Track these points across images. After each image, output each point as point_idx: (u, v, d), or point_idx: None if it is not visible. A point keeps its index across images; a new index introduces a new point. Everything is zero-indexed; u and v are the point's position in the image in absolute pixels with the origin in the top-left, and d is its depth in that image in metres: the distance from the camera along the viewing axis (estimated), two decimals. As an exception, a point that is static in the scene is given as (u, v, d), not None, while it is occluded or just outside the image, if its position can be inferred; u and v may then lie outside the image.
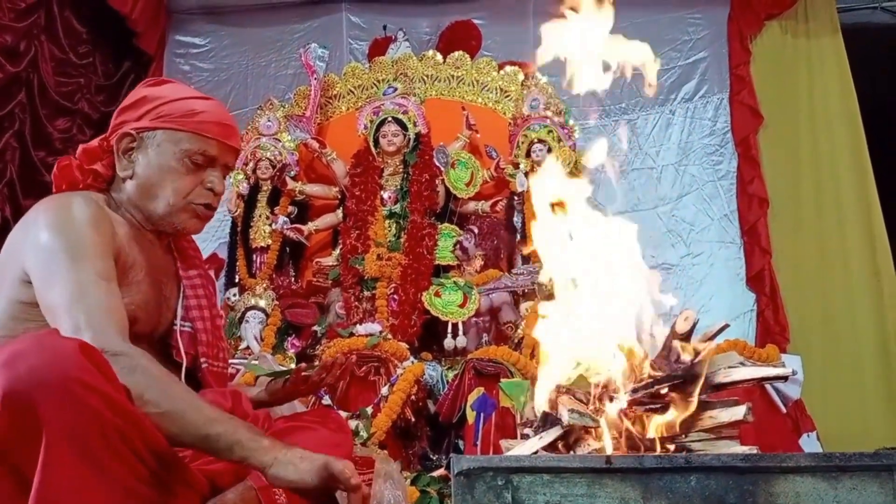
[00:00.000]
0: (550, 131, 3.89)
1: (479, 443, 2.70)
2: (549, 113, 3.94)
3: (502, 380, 2.97)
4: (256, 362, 2.14)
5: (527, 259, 3.72)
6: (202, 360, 1.42)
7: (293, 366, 1.61)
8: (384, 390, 3.08)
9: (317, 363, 1.63)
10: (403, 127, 3.93)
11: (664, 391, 1.22)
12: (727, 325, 1.30)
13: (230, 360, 3.20)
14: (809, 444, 3.34)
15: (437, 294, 3.57)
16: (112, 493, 1.04)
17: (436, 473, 2.77)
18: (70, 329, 1.15)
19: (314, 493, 1.12)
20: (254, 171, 4.07)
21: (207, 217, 1.45)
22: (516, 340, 3.41)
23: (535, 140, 3.88)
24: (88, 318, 1.16)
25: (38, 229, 1.28)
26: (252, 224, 4.03)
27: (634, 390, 1.19)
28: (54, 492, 0.99)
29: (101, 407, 1.03)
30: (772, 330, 4.00)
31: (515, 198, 3.86)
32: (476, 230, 3.84)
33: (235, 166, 1.49)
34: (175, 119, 1.39)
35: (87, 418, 1.01)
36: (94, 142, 1.44)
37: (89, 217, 1.30)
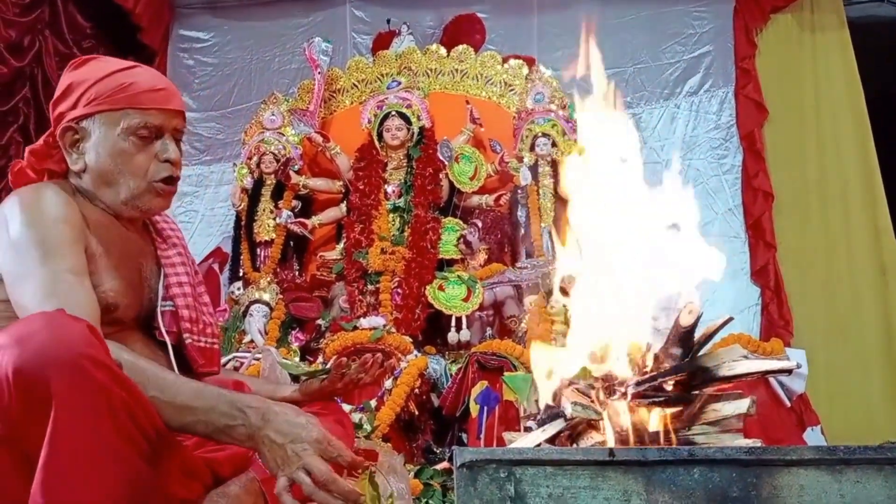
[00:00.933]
0: (555, 125, 3.89)
1: (482, 436, 2.71)
2: (553, 106, 3.93)
3: (506, 373, 2.98)
4: (275, 357, 2.12)
5: (530, 253, 3.72)
6: (185, 336, 1.40)
7: (328, 366, 1.58)
8: (388, 384, 3.09)
9: (353, 363, 1.61)
10: (407, 121, 3.92)
11: (668, 384, 1.22)
12: (731, 319, 1.30)
13: (236, 353, 3.20)
14: (814, 437, 3.34)
15: (440, 288, 3.57)
16: (117, 467, 1.04)
17: (439, 466, 2.78)
18: None
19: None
20: (258, 165, 4.07)
21: (171, 192, 1.41)
22: (520, 334, 3.41)
23: (540, 134, 3.87)
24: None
25: (7, 224, 1.26)
26: (256, 218, 4.04)
27: (638, 383, 1.19)
28: (62, 464, 1.00)
29: (110, 383, 1.03)
30: (776, 324, 4.00)
31: (519, 192, 3.86)
32: (480, 224, 3.84)
33: (184, 129, 1.43)
34: (106, 99, 1.34)
35: (97, 394, 1.02)
36: (40, 141, 1.41)
37: (59, 209, 1.28)
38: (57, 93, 1.40)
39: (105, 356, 1.05)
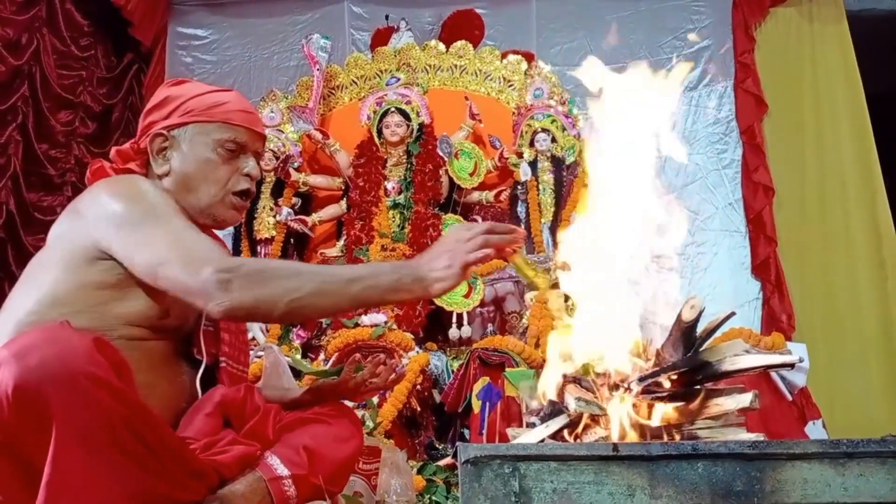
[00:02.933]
0: (554, 120, 3.88)
1: (484, 432, 2.71)
2: (552, 102, 3.93)
3: (507, 369, 2.98)
4: (277, 355, 2.11)
5: (531, 249, 3.72)
6: (222, 359, 1.43)
7: (337, 366, 1.59)
8: (389, 381, 3.09)
9: (364, 365, 1.62)
10: (407, 117, 3.92)
11: (671, 379, 1.22)
12: (733, 314, 1.30)
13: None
14: (815, 431, 3.34)
15: (441, 284, 3.57)
16: (119, 486, 1.04)
17: (441, 462, 2.79)
18: (183, 268, 1.19)
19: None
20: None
21: (245, 207, 1.47)
22: (521, 330, 3.41)
23: (539, 129, 3.87)
24: (197, 254, 1.20)
25: (109, 204, 1.29)
26: (256, 216, 4.04)
27: (641, 379, 1.19)
28: (64, 486, 1.00)
29: (110, 401, 1.04)
30: (777, 318, 4.00)
31: (519, 187, 3.86)
32: (480, 220, 3.84)
33: (263, 152, 1.54)
34: (202, 112, 1.42)
35: (96, 413, 1.02)
36: (126, 145, 1.47)
37: (155, 189, 1.35)
38: (151, 104, 1.47)
39: (107, 372, 1.05)
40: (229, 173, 1.42)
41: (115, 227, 1.27)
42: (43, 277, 1.29)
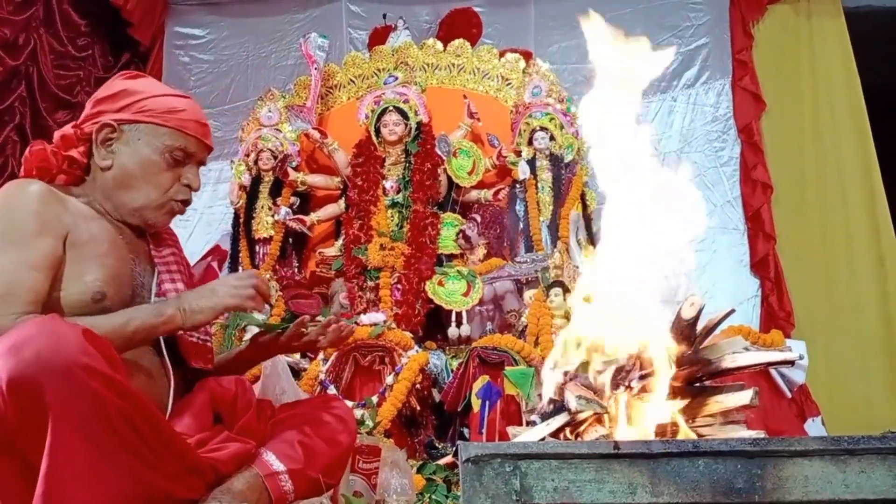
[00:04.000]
0: (552, 119, 3.88)
1: (484, 431, 2.71)
2: (551, 100, 3.92)
3: (507, 368, 2.98)
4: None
5: (530, 247, 3.72)
6: (179, 332, 1.42)
7: (288, 324, 1.57)
8: (389, 379, 3.09)
9: (314, 324, 1.59)
10: (405, 116, 3.91)
11: (671, 377, 1.22)
12: (733, 311, 1.30)
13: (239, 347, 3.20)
14: (814, 428, 3.34)
15: (440, 283, 3.56)
16: (117, 476, 1.04)
17: (441, 461, 2.78)
18: None
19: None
20: (255, 162, 4.06)
21: (181, 212, 1.50)
22: (520, 328, 3.41)
23: (538, 128, 3.86)
24: (11, 294, 1.21)
25: None
26: (254, 215, 4.03)
27: (641, 377, 1.19)
28: (61, 476, 1.00)
29: (105, 391, 1.04)
30: (776, 315, 4.00)
31: (518, 186, 3.85)
32: (479, 219, 3.83)
33: (205, 160, 1.55)
34: (158, 114, 1.43)
35: (92, 403, 1.02)
36: (68, 128, 1.46)
37: (34, 203, 1.32)
38: (104, 92, 1.47)
39: (100, 363, 1.05)
40: (171, 181, 1.44)
41: None
42: None
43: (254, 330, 3.55)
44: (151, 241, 1.51)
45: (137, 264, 1.43)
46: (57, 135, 1.46)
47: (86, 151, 1.43)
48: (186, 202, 1.48)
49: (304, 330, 1.56)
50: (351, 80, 4.33)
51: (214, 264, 4.05)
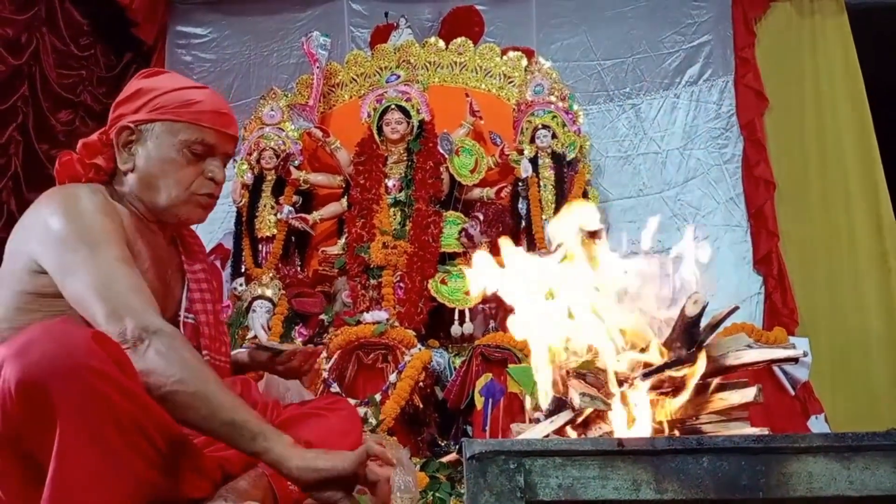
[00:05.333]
0: (554, 116, 3.88)
1: (487, 428, 2.71)
2: (553, 98, 3.92)
3: (510, 365, 2.98)
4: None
5: (533, 245, 3.72)
6: (204, 352, 1.42)
7: (288, 348, 1.63)
8: (392, 377, 3.09)
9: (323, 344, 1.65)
10: (407, 114, 3.91)
11: (675, 374, 1.22)
12: (737, 308, 1.30)
13: (240, 350, 3.22)
14: (818, 426, 3.34)
15: (443, 281, 3.57)
16: (125, 479, 1.05)
17: (445, 459, 2.79)
18: (107, 314, 1.16)
19: (334, 486, 1.12)
20: (258, 161, 4.07)
21: (210, 206, 1.44)
22: (523, 326, 3.41)
23: (540, 125, 3.86)
24: (124, 301, 1.17)
25: (47, 218, 1.27)
26: (257, 214, 4.03)
27: (645, 374, 1.19)
28: (69, 478, 1.00)
29: (113, 394, 1.04)
30: (780, 313, 3.99)
31: (520, 184, 3.85)
32: (481, 217, 3.83)
33: (235, 154, 1.46)
34: (172, 110, 1.38)
35: (99, 406, 1.02)
36: (94, 136, 1.44)
37: (98, 205, 1.30)
38: (123, 94, 1.44)
39: (108, 365, 1.05)
40: (193, 175, 1.39)
41: (47, 245, 1.26)
42: (2, 292, 1.29)
43: (258, 330, 3.55)
44: (184, 252, 1.50)
45: (170, 279, 1.43)
46: (80, 143, 1.44)
47: (110, 157, 1.41)
48: (211, 195, 1.42)
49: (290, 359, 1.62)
50: (353, 78, 4.34)
51: (218, 263, 4.06)
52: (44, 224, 1.27)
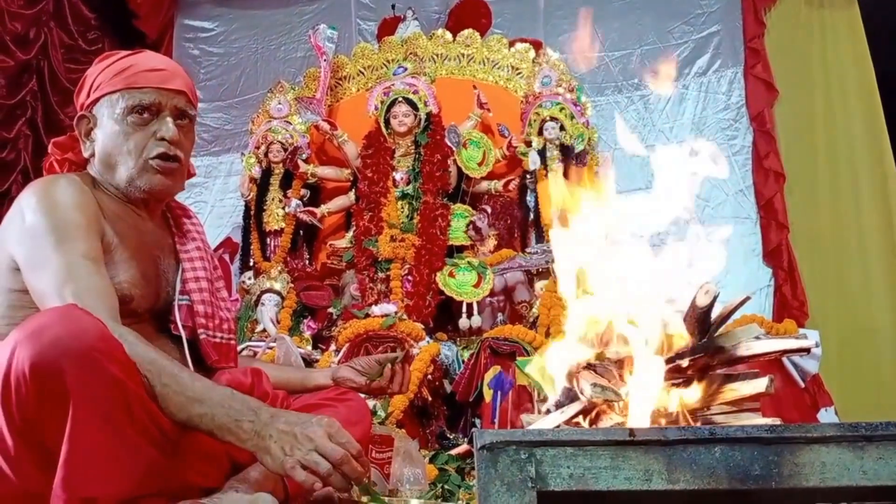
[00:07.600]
0: (563, 108, 3.86)
1: (496, 420, 2.71)
2: (561, 90, 3.90)
3: (518, 358, 2.98)
4: (289, 344, 2.14)
5: (541, 238, 3.71)
6: (200, 331, 1.41)
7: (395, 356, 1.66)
8: (400, 370, 3.09)
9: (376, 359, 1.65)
10: (414, 107, 3.90)
11: (685, 364, 1.22)
12: (749, 298, 1.29)
13: (249, 343, 3.22)
14: (827, 418, 3.32)
15: (451, 274, 3.57)
16: (136, 463, 1.05)
17: (454, 451, 2.79)
18: None
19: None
20: (265, 154, 4.07)
21: (171, 170, 1.39)
22: (531, 319, 3.41)
23: (548, 117, 3.84)
24: (78, 301, 1.15)
25: (22, 212, 1.28)
26: (265, 207, 4.04)
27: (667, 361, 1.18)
28: (83, 459, 1.01)
29: (124, 377, 1.05)
30: (790, 305, 3.97)
31: (528, 176, 3.84)
32: (489, 210, 3.83)
33: (191, 108, 1.43)
34: (108, 82, 1.38)
35: (111, 387, 1.03)
36: (65, 135, 1.47)
37: (72, 198, 1.30)
38: (77, 88, 1.46)
39: (118, 350, 1.06)
40: (144, 140, 1.36)
41: (20, 240, 1.26)
42: None
43: (267, 323, 3.56)
44: (176, 233, 1.49)
45: (162, 261, 1.42)
46: (51, 144, 1.46)
47: (80, 149, 1.43)
48: (164, 156, 1.37)
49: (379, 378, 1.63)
50: (360, 71, 4.33)
51: (226, 256, 4.07)
52: (19, 219, 1.28)
